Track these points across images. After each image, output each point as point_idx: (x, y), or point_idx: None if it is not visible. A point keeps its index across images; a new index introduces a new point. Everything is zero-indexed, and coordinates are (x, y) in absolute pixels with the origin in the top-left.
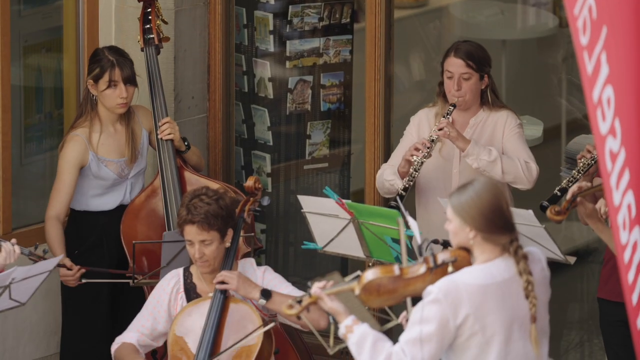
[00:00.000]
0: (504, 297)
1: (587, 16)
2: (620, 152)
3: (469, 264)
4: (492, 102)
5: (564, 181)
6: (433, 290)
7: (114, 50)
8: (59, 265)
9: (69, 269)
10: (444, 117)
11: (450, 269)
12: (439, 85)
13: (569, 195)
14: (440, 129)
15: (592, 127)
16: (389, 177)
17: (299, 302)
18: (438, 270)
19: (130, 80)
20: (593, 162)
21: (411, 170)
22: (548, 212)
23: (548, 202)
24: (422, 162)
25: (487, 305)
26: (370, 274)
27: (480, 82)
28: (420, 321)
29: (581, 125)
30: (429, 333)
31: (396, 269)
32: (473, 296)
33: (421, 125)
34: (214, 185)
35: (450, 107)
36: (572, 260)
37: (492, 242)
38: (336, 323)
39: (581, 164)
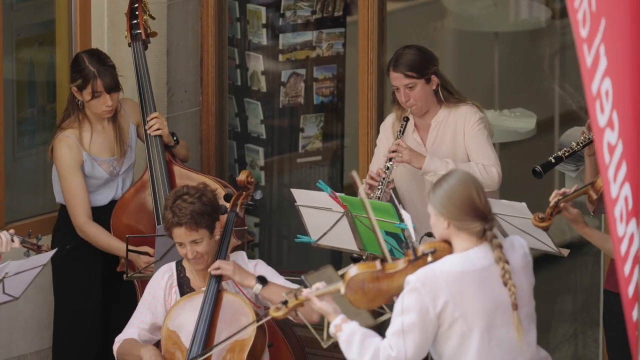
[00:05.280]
0: (485, 283)
1: (586, 9)
2: (617, 144)
3: (450, 254)
4: (445, 98)
5: (562, 150)
6: (411, 280)
7: (95, 57)
8: (140, 253)
9: (152, 257)
10: (397, 136)
11: (429, 259)
12: (393, 93)
13: (552, 202)
14: (393, 152)
15: (591, 120)
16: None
17: (285, 303)
18: (418, 262)
19: (113, 88)
20: None
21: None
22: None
23: (541, 167)
24: (379, 198)
25: (466, 292)
26: (352, 271)
27: (429, 84)
28: (401, 312)
29: (574, 117)
30: (410, 323)
31: (378, 264)
32: (451, 283)
33: (387, 131)
34: (202, 178)
35: (403, 122)
36: (565, 252)
37: (466, 230)
38: None
39: (582, 138)
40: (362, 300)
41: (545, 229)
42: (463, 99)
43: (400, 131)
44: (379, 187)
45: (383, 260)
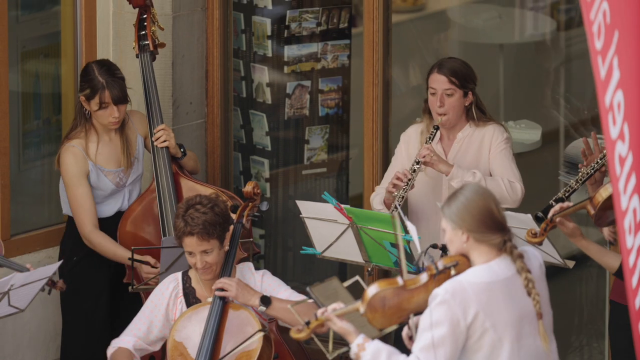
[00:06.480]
0: (510, 294)
1: (601, 21)
2: (628, 156)
3: (469, 267)
4: (478, 118)
5: (561, 191)
6: (439, 293)
7: (105, 68)
8: (142, 263)
9: (153, 267)
10: (426, 141)
11: (453, 272)
12: (425, 101)
13: (549, 215)
14: (422, 156)
15: (604, 132)
16: (377, 206)
17: (307, 324)
18: (441, 277)
19: (120, 100)
20: (593, 171)
21: (392, 206)
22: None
23: (542, 212)
24: (403, 197)
25: (495, 302)
26: (373, 289)
27: (464, 99)
28: (430, 326)
29: (579, 129)
30: (441, 336)
31: (399, 280)
32: (480, 294)
33: (410, 142)
34: (209, 190)
35: (433, 130)
36: (571, 264)
37: (486, 242)
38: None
39: (580, 174)
40: (381, 318)
41: (539, 244)
42: (493, 119)
43: (429, 138)
44: (404, 188)
45: (403, 276)
